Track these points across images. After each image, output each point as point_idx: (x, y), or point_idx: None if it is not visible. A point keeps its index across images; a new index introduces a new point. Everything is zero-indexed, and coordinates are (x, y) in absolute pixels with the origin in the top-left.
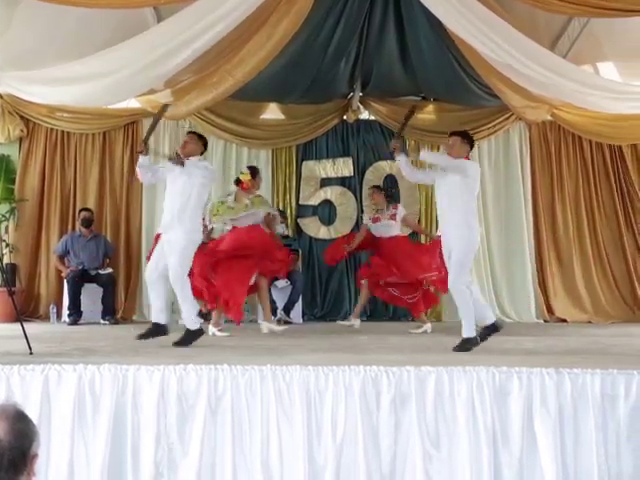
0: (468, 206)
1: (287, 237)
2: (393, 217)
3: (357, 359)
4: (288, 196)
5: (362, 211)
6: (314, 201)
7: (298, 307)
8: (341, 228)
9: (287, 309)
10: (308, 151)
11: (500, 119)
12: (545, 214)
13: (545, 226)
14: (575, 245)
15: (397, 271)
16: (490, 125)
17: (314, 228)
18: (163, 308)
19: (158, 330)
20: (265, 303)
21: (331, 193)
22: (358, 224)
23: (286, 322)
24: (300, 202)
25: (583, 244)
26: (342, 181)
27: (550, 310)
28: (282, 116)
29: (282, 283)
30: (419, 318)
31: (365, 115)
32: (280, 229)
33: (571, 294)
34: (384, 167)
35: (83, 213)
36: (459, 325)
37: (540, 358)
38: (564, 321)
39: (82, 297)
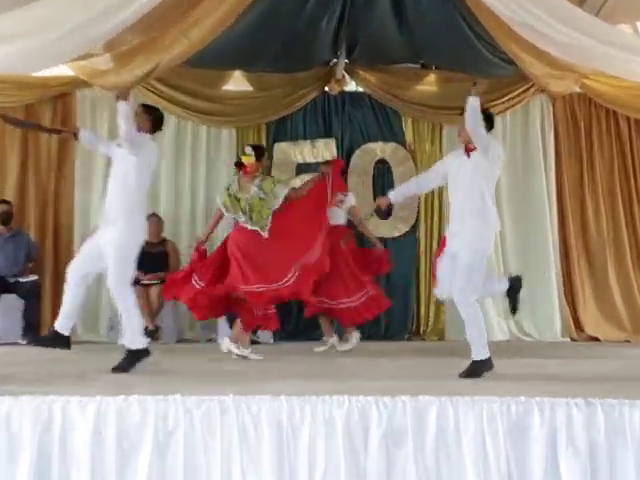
0: (488, 197)
1: None
2: (341, 204)
3: (340, 387)
4: None
5: None
6: (288, 192)
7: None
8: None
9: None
10: (281, 130)
11: (517, 91)
12: (573, 208)
13: (573, 223)
14: (610, 247)
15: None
16: (505, 99)
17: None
18: (71, 315)
19: (56, 340)
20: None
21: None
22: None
23: (252, 342)
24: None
25: (620, 246)
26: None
27: (579, 326)
28: (249, 87)
29: None
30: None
31: (351, 86)
32: None
33: (605, 307)
34: (374, 150)
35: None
36: (465, 345)
37: (566, 385)
38: (596, 340)
39: None
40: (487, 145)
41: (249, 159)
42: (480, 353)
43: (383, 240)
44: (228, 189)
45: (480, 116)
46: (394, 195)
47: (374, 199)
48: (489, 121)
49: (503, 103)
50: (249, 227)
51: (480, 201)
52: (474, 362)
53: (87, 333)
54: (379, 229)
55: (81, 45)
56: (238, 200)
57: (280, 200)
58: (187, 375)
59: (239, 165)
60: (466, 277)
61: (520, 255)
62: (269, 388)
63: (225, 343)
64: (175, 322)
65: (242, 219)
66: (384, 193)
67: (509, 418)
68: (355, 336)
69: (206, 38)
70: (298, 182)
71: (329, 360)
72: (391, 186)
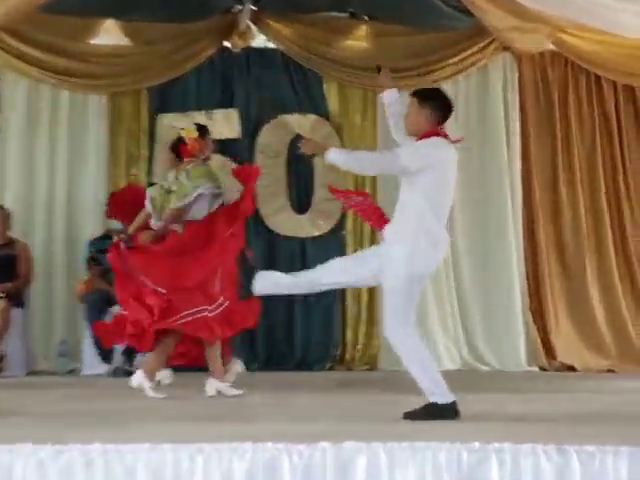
0: (424, 208)
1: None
2: None
3: (242, 431)
4: (134, 169)
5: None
6: None
7: None
8: None
9: (130, 351)
10: (167, 98)
11: (473, 49)
12: (543, 201)
13: (544, 221)
14: (590, 252)
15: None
16: (456, 59)
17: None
18: None
19: None
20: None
21: None
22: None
23: (127, 372)
24: (154, 181)
25: (603, 250)
26: (222, 146)
27: (550, 353)
28: (125, 41)
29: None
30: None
31: (260, 41)
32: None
33: (583, 328)
34: (290, 124)
35: None
36: (404, 376)
37: (533, 428)
38: (572, 369)
39: None
40: (412, 169)
41: (191, 133)
42: (435, 395)
43: (300, 241)
44: (163, 186)
45: (371, 159)
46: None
47: (288, 188)
48: (443, 108)
49: (455, 64)
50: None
51: (415, 211)
52: (430, 405)
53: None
54: (291, 227)
55: None
56: (169, 193)
57: (184, 202)
58: (40, 417)
59: (177, 145)
60: (394, 307)
61: (475, 264)
62: (150, 433)
63: (210, 385)
64: (24, 349)
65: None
66: (302, 180)
67: (459, 469)
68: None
69: None
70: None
71: (230, 398)
72: (311, 172)
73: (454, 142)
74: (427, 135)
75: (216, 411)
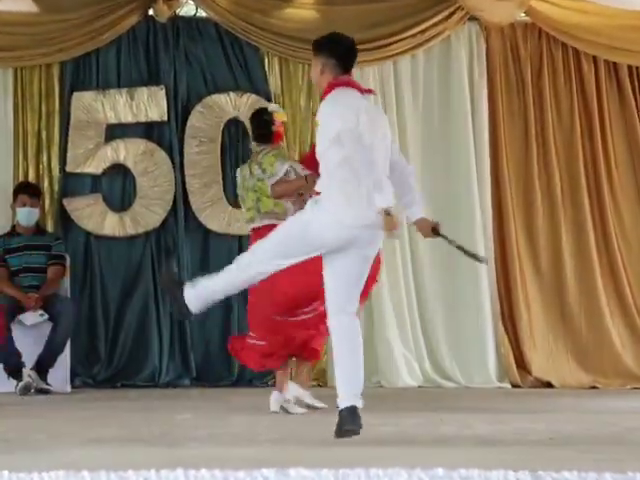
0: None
1: (43, 233)
2: None
3: (170, 456)
4: (45, 157)
5: (184, 184)
6: (95, 167)
7: (63, 363)
8: (148, 218)
9: (42, 365)
10: (83, 74)
11: (434, 19)
12: (515, 193)
13: (515, 213)
14: (569, 251)
15: None
16: (415, 31)
17: (96, 217)
18: None
19: None
20: None
21: (127, 152)
22: (176, 210)
23: (41, 390)
24: (68, 169)
25: (584, 249)
26: (147, 130)
27: (523, 366)
28: (33, 7)
29: (33, 317)
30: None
31: (189, 9)
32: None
33: (561, 338)
34: (224, 105)
35: None
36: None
37: (504, 451)
38: (548, 385)
39: None
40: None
41: (282, 117)
42: (349, 397)
43: (237, 238)
44: (261, 179)
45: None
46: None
47: (223, 177)
48: (337, 52)
49: (413, 37)
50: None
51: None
52: (341, 412)
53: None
54: (226, 222)
55: None
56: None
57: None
58: None
59: (268, 129)
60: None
61: (437, 262)
62: (66, 458)
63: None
64: None
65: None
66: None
67: None
68: None
69: None
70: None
71: (157, 416)
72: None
73: (366, 92)
74: (328, 88)
75: (142, 432)
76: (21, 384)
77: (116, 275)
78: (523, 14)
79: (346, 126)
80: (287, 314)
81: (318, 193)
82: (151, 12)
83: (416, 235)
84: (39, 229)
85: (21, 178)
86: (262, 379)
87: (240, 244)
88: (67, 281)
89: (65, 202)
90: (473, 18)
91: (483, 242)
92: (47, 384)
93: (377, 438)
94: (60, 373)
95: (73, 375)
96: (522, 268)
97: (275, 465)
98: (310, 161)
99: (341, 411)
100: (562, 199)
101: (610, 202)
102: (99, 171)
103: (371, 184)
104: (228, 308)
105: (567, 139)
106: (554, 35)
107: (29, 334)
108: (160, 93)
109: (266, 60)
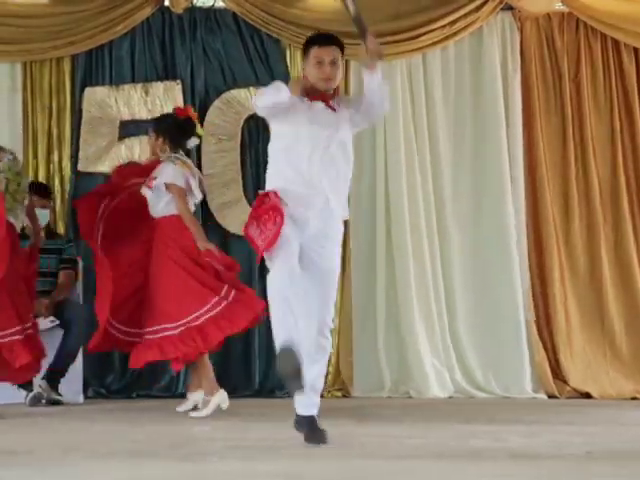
0: None
1: (54, 235)
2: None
3: (187, 470)
4: (55, 156)
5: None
6: (108, 166)
7: (75, 372)
8: None
9: (53, 375)
10: (95, 68)
11: (465, 9)
12: (551, 194)
13: (552, 217)
14: (607, 254)
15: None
16: (445, 22)
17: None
18: None
19: None
20: None
21: (142, 150)
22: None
23: (52, 401)
24: (80, 168)
25: (623, 254)
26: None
27: (560, 377)
28: None
29: (43, 323)
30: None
31: None
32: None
33: (600, 347)
34: (244, 100)
35: None
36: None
37: (537, 465)
38: (587, 396)
39: None
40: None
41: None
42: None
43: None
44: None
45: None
46: None
47: (242, 176)
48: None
49: (443, 28)
50: None
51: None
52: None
53: None
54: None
55: None
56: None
57: None
58: None
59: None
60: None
61: (468, 266)
62: (77, 473)
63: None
64: None
65: None
66: (259, 168)
67: None
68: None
69: None
70: None
71: (174, 427)
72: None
73: None
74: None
75: (158, 445)
76: (31, 395)
77: None
78: (559, 3)
79: None
80: None
81: None
82: (166, 2)
83: (448, 245)
84: (50, 231)
85: (31, 178)
86: (283, 389)
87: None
88: (79, 286)
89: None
90: (506, 8)
91: (516, 247)
92: (58, 394)
93: (405, 451)
94: (72, 383)
95: (86, 385)
96: (559, 274)
97: (293, 477)
98: None
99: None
100: (601, 201)
101: None
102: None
103: None
104: None
105: (606, 137)
106: (592, 25)
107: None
108: (176, 88)
109: (288, 53)
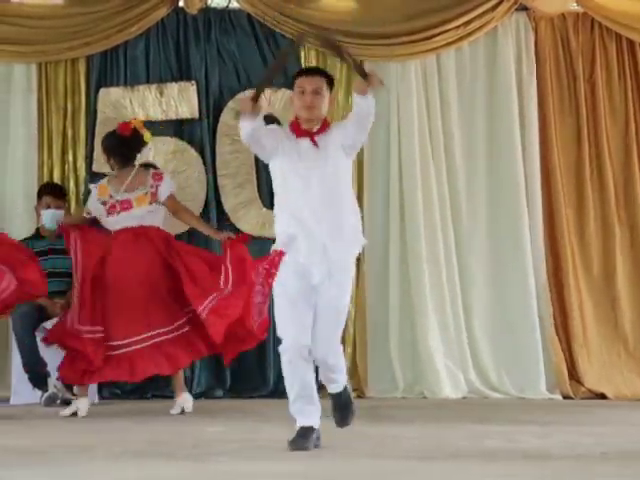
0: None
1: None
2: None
3: (200, 471)
4: (70, 156)
5: (216, 185)
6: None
7: None
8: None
9: None
10: (110, 69)
11: (480, 9)
12: (567, 194)
13: (567, 217)
14: (623, 255)
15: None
16: (460, 22)
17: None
18: None
19: None
20: None
21: (156, 151)
22: (208, 211)
23: (67, 401)
24: (94, 169)
25: (639, 254)
26: (178, 127)
27: (576, 377)
28: (59, 0)
29: None
30: None
31: (221, 0)
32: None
33: (615, 347)
34: (259, 100)
35: None
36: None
37: (551, 466)
38: (602, 397)
39: None
40: None
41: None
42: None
43: (271, 242)
44: None
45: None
46: None
47: (257, 177)
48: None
49: (457, 28)
50: None
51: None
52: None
53: None
54: (260, 224)
55: None
56: None
57: None
58: None
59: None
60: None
61: (482, 265)
62: (90, 474)
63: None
64: None
65: None
66: None
67: None
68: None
69: None
70: None
71: (185, 428)
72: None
73: None
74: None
75: (172, 446)
76: (46, 395)
77: None
78: (574, 3)
79: None
80: None
81: None
82: (181, 3)
83: (462, 245)
84: None
85: (46, 178)
86: None
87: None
88: None
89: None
90: (521, 8)
91: (532, 247)
92: (73, 394)
93: (418, 451)
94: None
95: (100, 385)
96: (574, 275)
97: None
98: None
99: None
100: (616, 203)
101: None
102: None
103: None
104: None
105: (622, 139)
106: (607, 25)
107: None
108: (191, 89)
109: (302, 54)
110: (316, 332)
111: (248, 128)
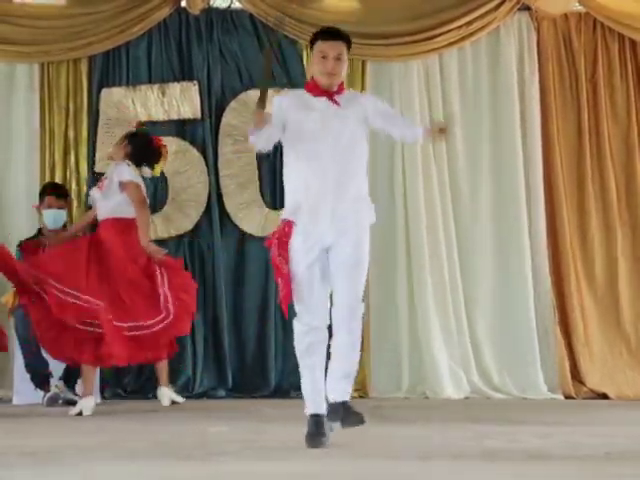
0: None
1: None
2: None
3: (203, 471)
4: (72, 157)
5: (218, 185)
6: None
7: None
8: (180, 220)
9: (70, 375)
10: (112, 69)
11: (482, 9)
12: (568, 193)
13: (569, 217)
14: (624, 255)
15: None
16: (463, 22)
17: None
18: None
19: None
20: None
21: None
22: (210, 212)
23: (69, 402)
24: (96, 169)
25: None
26: (180, 128)
27: (577, 377)
28: (61, 0)
29: None
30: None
31: (223, 0)
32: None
33: (617, 347)
34: None
35: None
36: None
37: (554, 466)
38: (604, 397)
39: None
40: None
41: None
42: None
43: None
44: None
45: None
46: None
47: (259, 178)
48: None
49: (459, 28)
50: None
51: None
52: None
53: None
54: (263, 225)
55: None
56: None
57: None
58: None
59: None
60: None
61: (484, 266)
62: (93, 475)
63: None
64: None
65: None
66: (276, 170)
67: None
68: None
69: None
70: None
71: (189, 427)
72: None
73: None
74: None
75: (175, 446)
76: (48, 395)
77: None
78: (576, 3)
79: None
80: None
81: None
82: (183, 4)
83: (464, 245)
84: None
85: (47, 179)
86: (300, 390)
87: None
88: None
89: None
90: (523, 8)
91: (533, 249)
92: (75, 395)
93: (421, 451)
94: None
95: (102, 385)
96: (576, 275)
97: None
98: None
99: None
100: (617, 202)
101: None
102: None
103: None
104: (264, 318)
105: (623, 138)
106: (610, 26)
107: None
108: (193, 89)
109: (304, 54)
110: (337, 296)
111: (262, 141)
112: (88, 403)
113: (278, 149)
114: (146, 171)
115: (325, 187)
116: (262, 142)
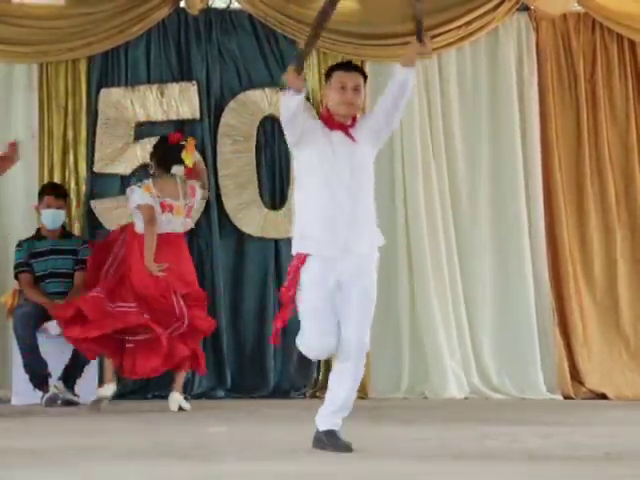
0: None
1: (69, 237)
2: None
3: (203, 471)
4: (71, 157)
5: (217, 185)
6: (124, 167)
7: (91, 373)
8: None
9: (69, 376)
10: (111, 69)
11: (481, 10)
12: (567, 195)
13: (568, 218)
14: (623, 255)
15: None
16: (462, 22)
17: (124, 220)
18: None
19: None
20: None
21: None
22: (209, 212)
23: (68, 402)
24: (95, 169)
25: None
26: (179, 128)
27: (577, 378)
28: (60, 0)
29: (57, 328)
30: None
31: (222, 0)
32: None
33: (616, 347)
34: (259, 101)
35: None
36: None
37: (554, 466)
38: (603, 397)
39: None
40: None
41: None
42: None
43: (273, 242)
44: None
45: None
46: None
47: (258, 178)
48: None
49: (458, 28)
50: None
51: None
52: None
53: None
54: (262, 225)
55: None
56: None
57: None
58: None
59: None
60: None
61: (484, 268)
62: (93, 475)
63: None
64: None
65: None
66: (276, 170)
67: None
68: None
69: None
70: None
71: (190, 428)
72: (287, 158)
73: None
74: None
75: (174, 446)
76: (47, 395)
77: None
78: (575, 3)
79: None
80: None
81: None
82: (182, 4)
83: (464, 246)
84: (65, 232)
85: (46, 179)
86: (299, 390)
87: (277, 248)
88: None
89: (92, 204)
90: (522, 9)
91: (534, 248)
92: (74, 395)
93: (421, 452)
94: (88, 384)
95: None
96: (575, 276)
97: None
98: None
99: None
100: (616, 203)
101: None
102: (128, 171)
103: None
104: (263, 318)
105: (622, 139)
106: (609, 26)
107: (55, 343)
108: (192, 89)
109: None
110: (345, 329)
111: (293, 104)
112: (106, 391)
113: (277, 150)
114: (179, 169)
115: (339, 219)
116: (293, 106)
